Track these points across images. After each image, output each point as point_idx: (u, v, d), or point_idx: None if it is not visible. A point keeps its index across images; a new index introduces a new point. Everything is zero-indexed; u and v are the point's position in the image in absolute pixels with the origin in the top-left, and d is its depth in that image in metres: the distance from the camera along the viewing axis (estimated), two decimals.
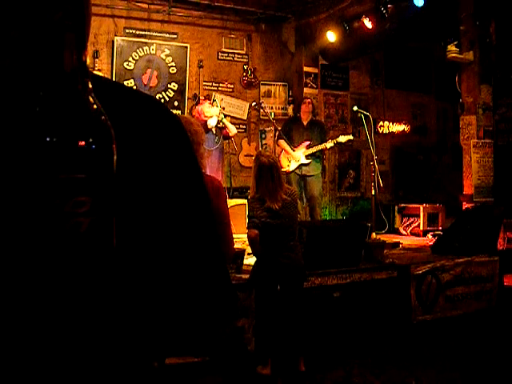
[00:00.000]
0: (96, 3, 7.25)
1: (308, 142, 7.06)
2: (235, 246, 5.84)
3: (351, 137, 7.19)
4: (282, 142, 7.14)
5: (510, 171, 7.30)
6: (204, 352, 3.56)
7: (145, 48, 7.83)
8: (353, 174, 9.42)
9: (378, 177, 6.64)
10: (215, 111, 6.68)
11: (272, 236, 3.90)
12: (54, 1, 0.61)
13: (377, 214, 7.26)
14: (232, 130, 6.83)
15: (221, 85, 8.45)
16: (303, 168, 7.09)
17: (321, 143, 7.08)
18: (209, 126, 6.56)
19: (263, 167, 3.94)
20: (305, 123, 7.26)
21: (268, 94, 8.85)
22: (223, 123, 6.74)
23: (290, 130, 7.22)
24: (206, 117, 6.62)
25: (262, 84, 8.81)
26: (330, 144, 7.07)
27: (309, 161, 7.07)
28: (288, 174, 7.10)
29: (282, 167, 7.12)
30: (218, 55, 8.48)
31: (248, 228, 3.93)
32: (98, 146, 0.62)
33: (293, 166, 7.08)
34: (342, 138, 7.11)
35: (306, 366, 4.05)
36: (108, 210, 0.65)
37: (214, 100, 8.23)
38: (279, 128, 7.28)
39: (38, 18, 0.61)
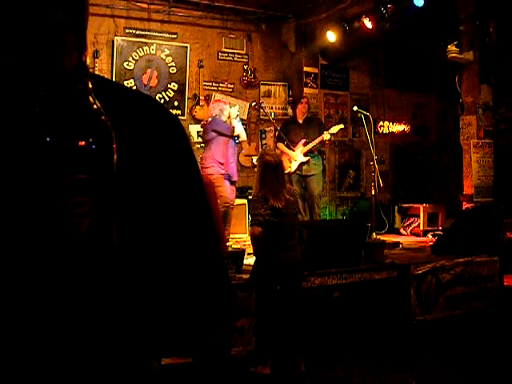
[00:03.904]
0: (96, 3, 7.26)
1: (304, 140, 7.01)
2: (236, 246, 5.85)
3: (342, 125, 7.15)
4: (280, 145, 7.09)
5: (510, 171, 7.30)
6: (202, 352, 3.56)
7: (145, 48, 7.83)
8: (353, 174, 9.42)
9: (377, 177, 6.64)
10: (233, 113, 6.48)
11: (273, 235, 3.90)
12: (55, 1, 0.61)
13: (377, 214, 7.25)
14: (242, 136, 6.62)
15: (221, 85, 8.45)
16: (303, 167, 7.02)
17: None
18: (235, 133, 6.29)
19: (268, 166, 3.93)
20: (300, 121, 7.21)
21: (268, 94, 8.85)
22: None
23: (288, 131, 7.16)
24: (225, 116, 6.45)
25: (262, 84, 8.81)
26: (326, 136, 6.92)
27: (307, 158, 6.96)
28: (290, 174, 7.06)
29: (284, 169, 7.07)
30: (218, 55, 8.48)
31: (251, 225, 3.92)
32: (98, 146, 0.62)
33: (294, 167, 7.02)
34: (334, 129, 7.02)
35: (306, 366, 4.05)
36: (108, 210, 0.65)
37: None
38: (279, 128, 7.26)
39: (38, 19, 0.61)
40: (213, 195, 3.30)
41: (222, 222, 3.41)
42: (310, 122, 7.27)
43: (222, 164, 6.10)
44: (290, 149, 7.02)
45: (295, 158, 6.99)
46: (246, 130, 8.49)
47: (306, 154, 6.99)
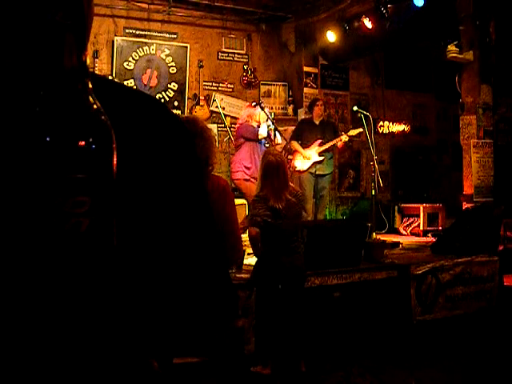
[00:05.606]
0: (96, 3, 7.23)
1: (320, 140, 7.05)
2: None
3: (361, 129, 7.17)
4: (294, 143, 7.12)
5: (510, 171, 7.30)
6: (204, 352, 3.55)
7: (145, 48, 7.83)
8: (353, 173, 9.41)
9: (377, 177, 6.64)
10: (263, 117, 6.53)
11: (273, 236, 3.88)
12: (55, 1, 0.61)
13: (377, 214, 7.26)
14: (278, 141, 6.69)
15: (221, 85, 8.45)
16: (317, 166, 7.07)
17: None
18: (260, 137, 6.42)
19: (270, 166, 3.92)
20: (317, 122, 7.25)
21: (268, 94, 8.85)
22: (272, 131, 6.57)
23: (303, 131, 7.21)
24: (256, 121, 6.49)
25: (262, 84, 8.81)
26: (343, 138, 7.01)
27: (322, 157, 7.04)
28: (302, 173, 7.08)
29: (295, 167, 7.12)
30: (218, 55, 8.48)
31: (249, 226, 3.91)
32: (98, 146, 0.62)
33: (307, 165, 7.05)
34: (353, 132, 7.12)
35: (307, 366, 4.05)
36: (108, 210, 0.65)
37: (213, 100, 8.24)
38: (279, 128, 7.27)
39: (38, 19, 0.61)
40: (228, 198, 3.20)
41: (239, 230, 3.37)
42: (325, 124, 7.35)
43: (248, 168, 6.28)
44: (303, 147, 7.07)
45: (309, 156, 7.02)
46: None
47: (320, 154, 7.04)
